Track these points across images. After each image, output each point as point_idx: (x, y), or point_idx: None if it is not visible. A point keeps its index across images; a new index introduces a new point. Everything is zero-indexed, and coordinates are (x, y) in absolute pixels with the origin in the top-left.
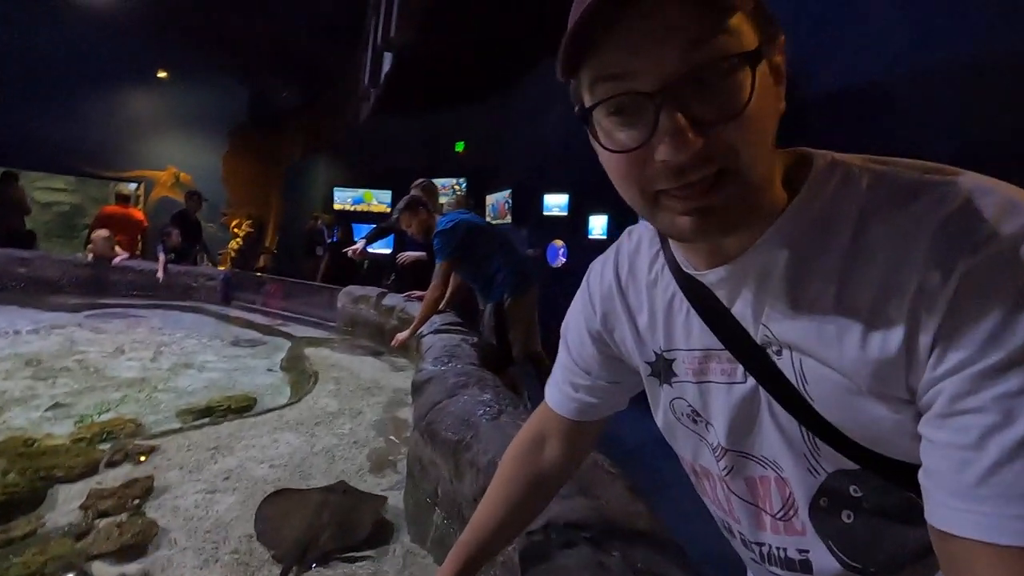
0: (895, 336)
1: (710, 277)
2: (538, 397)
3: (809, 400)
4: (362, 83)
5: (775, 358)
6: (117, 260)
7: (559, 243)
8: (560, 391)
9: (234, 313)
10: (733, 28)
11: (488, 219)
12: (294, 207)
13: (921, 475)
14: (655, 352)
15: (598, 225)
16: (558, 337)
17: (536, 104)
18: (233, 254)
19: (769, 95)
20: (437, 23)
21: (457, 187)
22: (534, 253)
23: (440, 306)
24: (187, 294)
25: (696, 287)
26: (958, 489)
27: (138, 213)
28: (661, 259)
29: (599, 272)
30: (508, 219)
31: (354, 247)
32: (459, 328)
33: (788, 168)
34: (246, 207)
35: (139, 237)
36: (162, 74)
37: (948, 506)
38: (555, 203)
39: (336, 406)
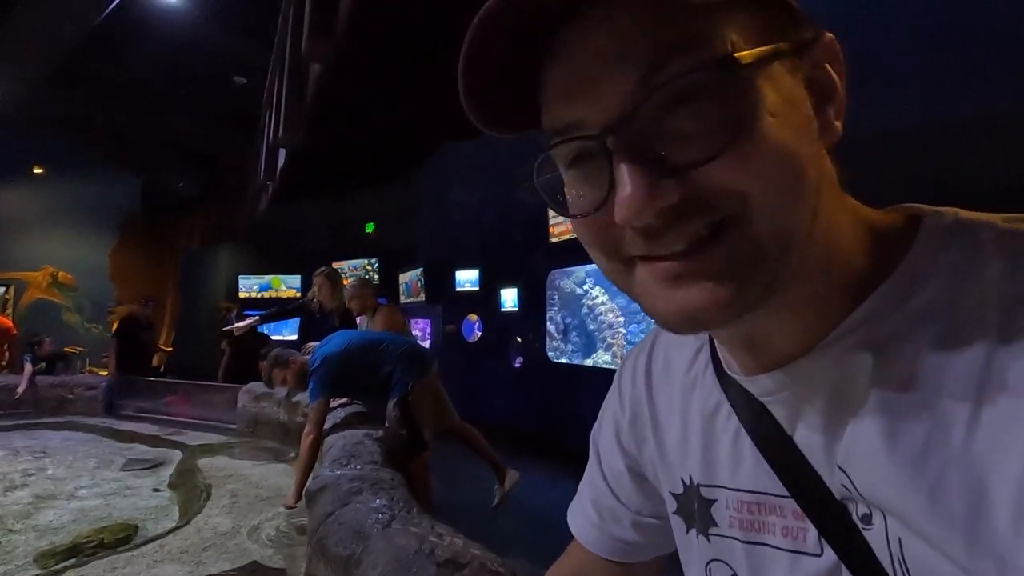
0: None
1: (758, 386)
2: (476, 468)
3: None
4: (259, 175)
5: (862, 527)
6: None
7: (474, 318)
8: (586, 517)
9: (118, 425)
10: (714, 31)
11: (402, 298)
12: (193, 299)
13: None
14: (683, 481)
15: (509, 298)
16: (480, 407)
17: (443, 182)
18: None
19: (796, 113)
20: (323, 125)
21: (369, 267)
22: (452, 329)
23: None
24: (61, 408)
25: (746, 399)
26: None
27: (3, 320)
28: (705, 354)
29: (632, 361)
30: (422, 297)
31: (237, 324)
32: (363, 420)
33: (884, 233)
34: (137, 303)
35: (6, 347)
36: (38, 169)
37: None
38: (466, 278)
39: (230, 524)
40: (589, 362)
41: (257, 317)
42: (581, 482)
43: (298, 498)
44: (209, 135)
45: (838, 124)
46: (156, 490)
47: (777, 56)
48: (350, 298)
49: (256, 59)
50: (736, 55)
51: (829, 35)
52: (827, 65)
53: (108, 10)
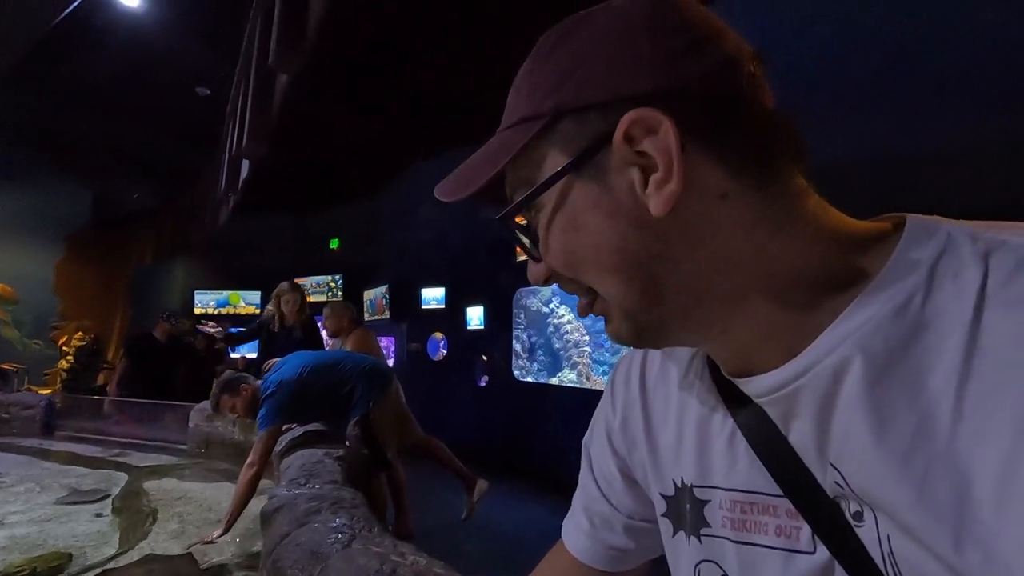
0: None
1: (753, 387)
2: (440, 488)
3: None
4: (220, 187)
5: (854, 524)
6: None
7: (439, 336)
8: (578, 526)
9: (57, 446)
10: (531, 173)
11: (366, 315)
12: (145, 315)
13: None
14: (675, 483)
15: (475, 316)
16: (444, 425)
17: (410, 200)
18: (64, 375)
19: (595, 212)
20: (289, 138)
21: (333, 284)
22: (416, 348)
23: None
24: None
25: (741, 400)
26: None
27: None
28: (702, 357)
29: (626, 366)
30: (386, 314)
31: (207, 328)
32: (322, 438)
33: (869, 239)
34: (83, 318)
35: None
36: None
37: None
38: (432, 296)
39: (177, 549)
40: (555, 381)
41: (228, 333)
42: (575, 495)
43: (224, 532)
44: (168, 147)
45: (668, 188)
46: (98, 515)
47: (563, 175)
48: (326, 317)
49: (220, 70)
50: (513, 205)
51: (635, 113)
52: (646, 139)
53: (65, 13)
